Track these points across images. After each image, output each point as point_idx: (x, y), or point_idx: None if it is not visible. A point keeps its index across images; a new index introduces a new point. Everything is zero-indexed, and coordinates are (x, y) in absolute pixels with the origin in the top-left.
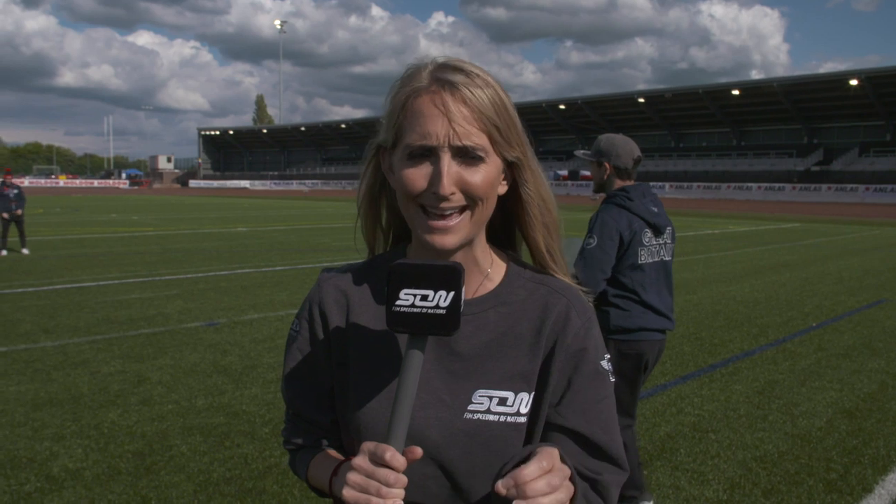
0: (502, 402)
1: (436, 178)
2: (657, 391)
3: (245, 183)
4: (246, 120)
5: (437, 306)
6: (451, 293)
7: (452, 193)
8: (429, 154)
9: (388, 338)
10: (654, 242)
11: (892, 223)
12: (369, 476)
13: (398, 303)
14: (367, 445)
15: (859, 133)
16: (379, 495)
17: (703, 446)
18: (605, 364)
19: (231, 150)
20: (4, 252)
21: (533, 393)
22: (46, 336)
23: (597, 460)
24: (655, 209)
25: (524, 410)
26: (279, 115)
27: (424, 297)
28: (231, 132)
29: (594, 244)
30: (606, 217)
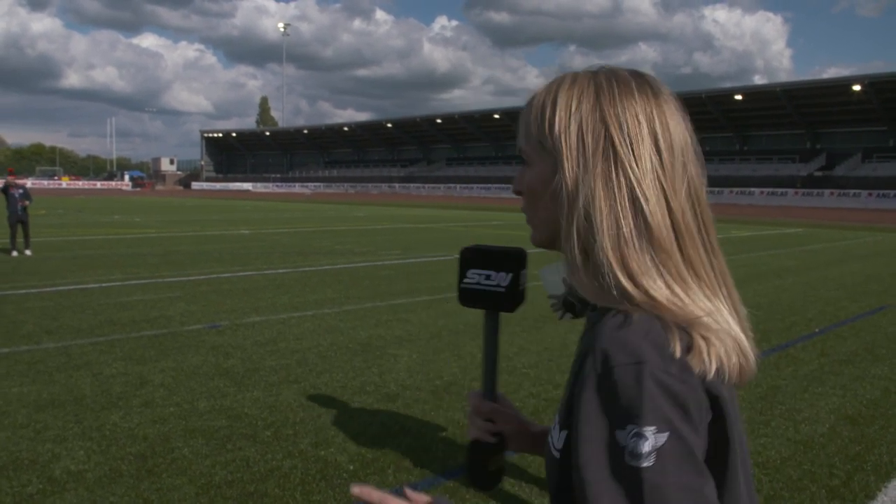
0: (552, 433)
1: None
2: None
3: (247, 185)
4: (249, 122)
5: (497, 285)
6: (510, 274)
7: (518, 192)
8: None
9: None
10: None
11: (895, 229)
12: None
13: (465, 281)
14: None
15: (862, 138)
16: (474, 424)
17: None
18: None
19: (234, 153)
20: (15, 253)
21: (567, 430)
22: (49, 337)
23: None
24: None
25: (559, 446)
26: (282, 117)
27: (487, 277)
28: (234, 134)
29: None
30: None
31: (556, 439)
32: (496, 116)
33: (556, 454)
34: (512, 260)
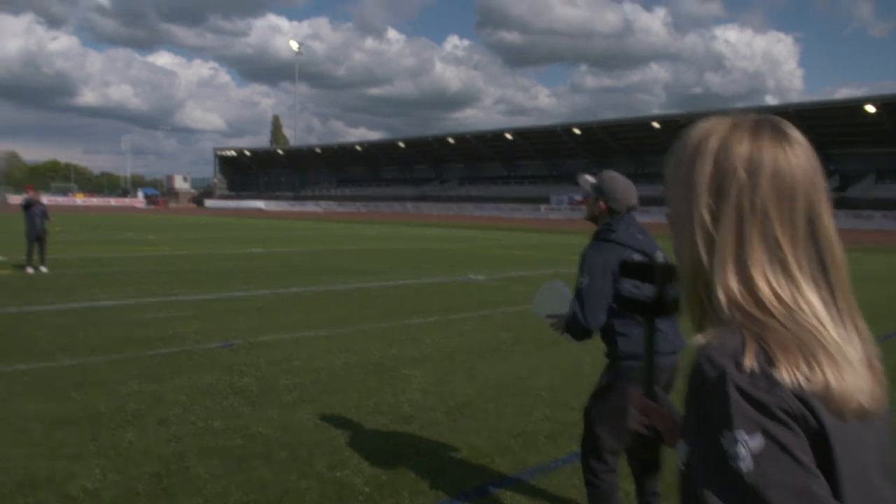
0: (679, 446)
1: None
2: None
3: (260, 203)
4: (262, 140)
5: (646, 295)
6: (656, 286)
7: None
8: None
9: None
10: None
11: None
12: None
13: (620, 289)
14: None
15: (876, 160)
16: (632, 417)
17: None
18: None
19: (247, 171)
20: (31, 269)
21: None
22: (64, 355)
23: None
24: (640, 236)
25: (683, 459)
26: (295, 136)
27: (636, 287)
28: (247, 153)
29: (586, 283)
30: (593, 254)
31: (681, 452)
32: (508, 136)
33: (682, 466)
34: (658, 273)
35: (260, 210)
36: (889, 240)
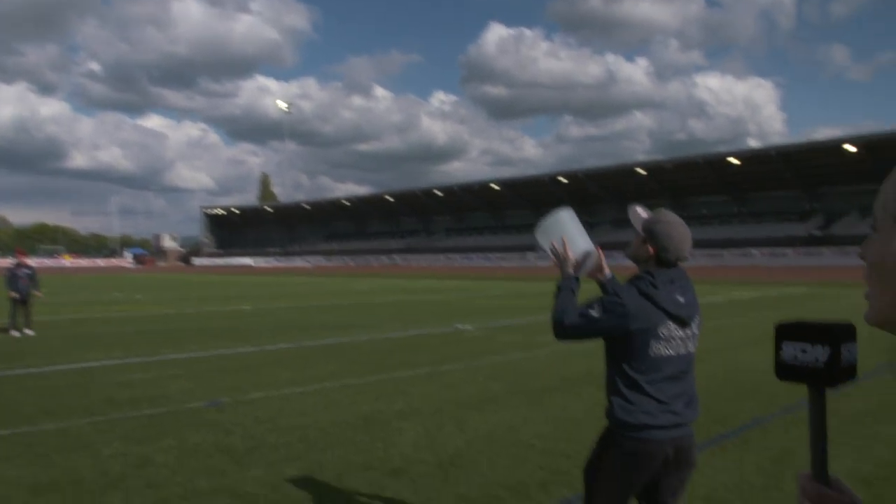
0: None
1: None
2: None
3: (248, 260)
4: (250, 198)
5: (815, 360)
6: (829, 349)
7: (863, 257)
8: None
9: None
10: (677, 335)
11: None
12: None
13: (782, 354)
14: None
15: (859, 197)
16: None
17: None
18: None
19: (235, 228)
20: (16, 332)
21: None
22: (47, 418)
23: None
24: (682, 299)
25: None
26: (283, 192)
27: (804, 351)
28: (235, 210)
29: (595, 316)
30: (625, 294)
31: None
32: (495, 187)
33: None
34: (832, 333)
35: (248, 266)
36: None
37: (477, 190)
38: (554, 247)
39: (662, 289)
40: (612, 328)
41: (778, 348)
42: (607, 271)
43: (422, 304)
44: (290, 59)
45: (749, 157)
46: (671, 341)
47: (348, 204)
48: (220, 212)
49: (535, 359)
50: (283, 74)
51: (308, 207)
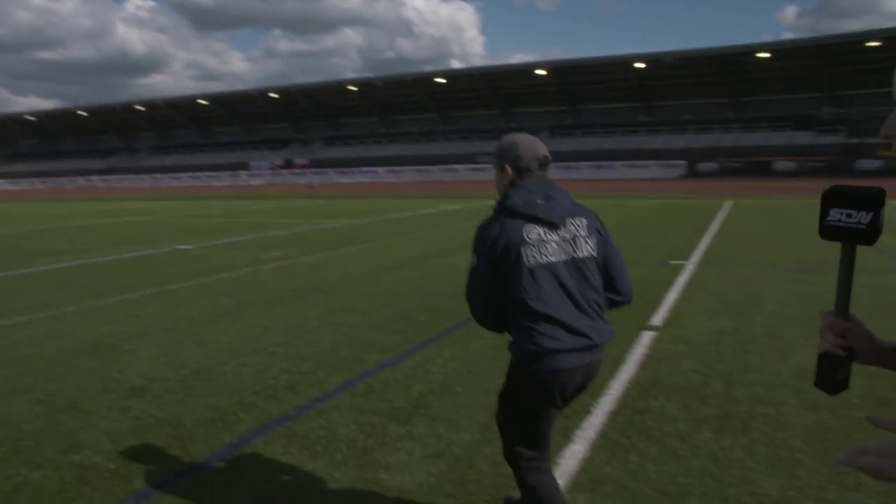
0: None
1: None
2: (404, 357)
3: None
4: None
5: (858, 223)
6: (871, 213)
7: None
8: None
9: None
10: (550, 239)
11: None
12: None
13: (828, 218)
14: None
15: (547, 117)
16: (825, 340)
17: (453, 398)
18: None
19: None
20: None
21: None
22: None
23: None
24: (540, 201)
25: None
26: None
27: (849, 216)
28: None
29: (474, 263)
30: (480, 228)
31: None
32: (203, 102)
33: None
34: (873, 199)
35: None
36: (595, 188)
37: (183, 105)
38: None
39: (516, 196)
40: (491, 259)
41: (825, 213)
42: None
43: (133, 226)
44: None
45: (453, 76)
46: (542, 247)
47: (34, 119)
48: None
49: (262, 272)
50: None
51: None
